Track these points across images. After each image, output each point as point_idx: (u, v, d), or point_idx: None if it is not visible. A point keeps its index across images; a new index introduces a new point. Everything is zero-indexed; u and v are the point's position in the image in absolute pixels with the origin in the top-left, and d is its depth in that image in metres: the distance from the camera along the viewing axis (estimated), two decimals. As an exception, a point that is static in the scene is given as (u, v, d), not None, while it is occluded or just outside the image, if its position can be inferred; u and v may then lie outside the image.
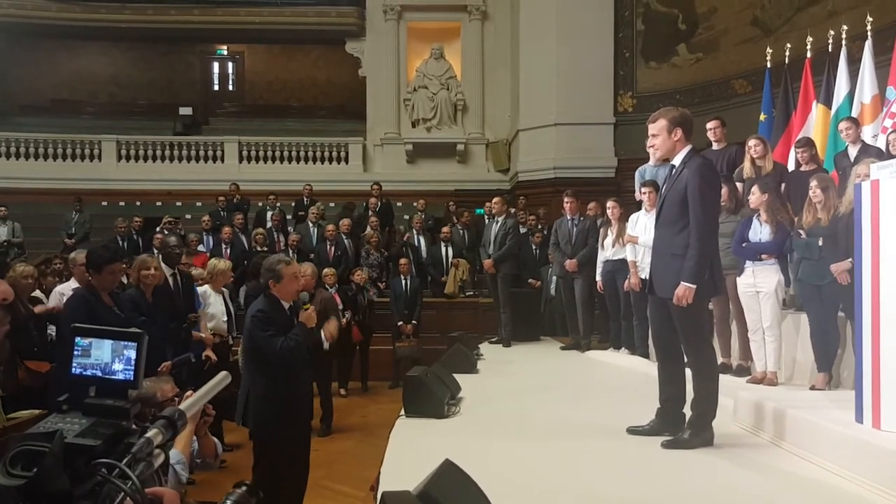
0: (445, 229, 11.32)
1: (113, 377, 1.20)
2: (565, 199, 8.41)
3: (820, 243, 5.13)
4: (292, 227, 11.79)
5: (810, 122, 8.03)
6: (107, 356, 1.20)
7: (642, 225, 7.04)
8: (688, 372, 4.24)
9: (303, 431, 4.35)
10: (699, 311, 4.15)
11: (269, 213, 11.95)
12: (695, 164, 4.01)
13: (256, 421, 4.09)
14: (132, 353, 1.20)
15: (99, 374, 1.20)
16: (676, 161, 4.09)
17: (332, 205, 12.51)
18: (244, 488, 1.62)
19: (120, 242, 10.97)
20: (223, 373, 1.49)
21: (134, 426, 1.16)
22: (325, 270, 8.30)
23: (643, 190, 7.13)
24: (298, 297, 4.26)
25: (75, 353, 1.21)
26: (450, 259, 10.85)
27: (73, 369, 1.21)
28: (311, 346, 4.29)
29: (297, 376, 4.12)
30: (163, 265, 5.79)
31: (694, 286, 3.89)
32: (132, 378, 1.19)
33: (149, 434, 1.15)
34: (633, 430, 4.28)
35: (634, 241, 7.06)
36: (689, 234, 3.94)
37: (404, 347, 9.32)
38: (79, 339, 1.22)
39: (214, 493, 4.04)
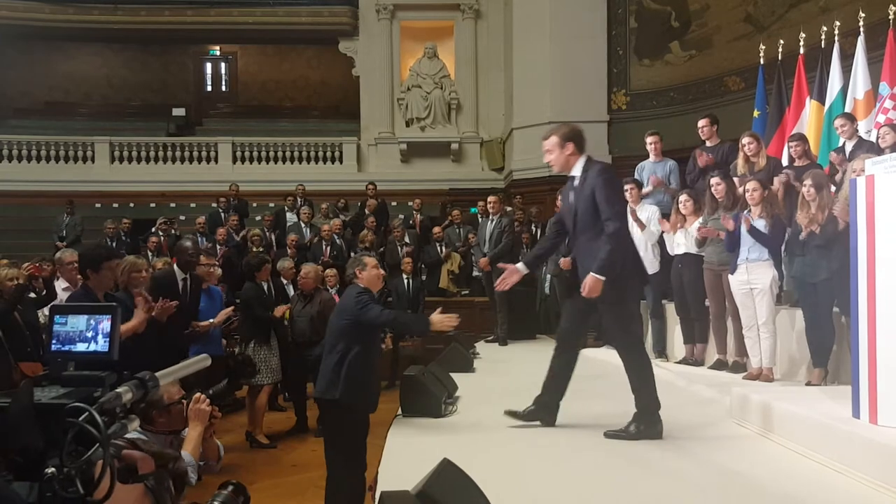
0: (437, 229, 11.32)
1: (90, 350, 1.21)
2: (559, 199, 8.42)
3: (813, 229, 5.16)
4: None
5: (804, 119, 8.06)
6: (83, 330, 1.22)
7: (629, 222, 7.18)
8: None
9: None
10: (624, 308, 4.35)
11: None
12: (595, 169, 4.26)
13: (349, 389, 4.09)
14: (107, 325, 1.22)
15: (76, 349, 1.22)
16: (576, 172, 4.29)
17: (324, 205, 12.51)
18: (231, 488, 1.62)
19: (109, 244, 10.93)
20: (203, 355, 1.50)
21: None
22: (327, 271, 8.30)
23: (626, 186, 7.25)
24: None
25: (54, 330, 1.23)
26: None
27: (52, 346, 1.23)
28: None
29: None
30: (176, 269, 5.87)
31: (603, 278, 4.04)
32: (107, 349, 1.21)
33: (118, 389, 1.15)
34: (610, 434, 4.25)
35: (641, 225, 7.08)
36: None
37: (408, 347, 9.32)
38: (57, 316, 1.24)
39: (211, 494, 4.02)
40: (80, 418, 1.04)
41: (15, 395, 1.02)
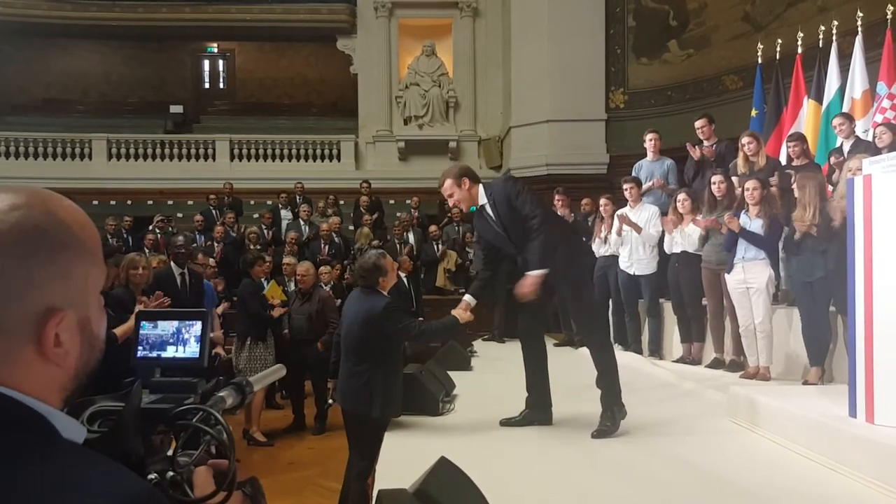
0: (433, 228, 11.30)
1: (178, 356, 1.19)
2: (556, 197, 8.47)
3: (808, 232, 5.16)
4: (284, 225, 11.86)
5: (801, 118, 8.07)
6: (172, 337, 1.21)
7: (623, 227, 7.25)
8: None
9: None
10: (583, 303, 4.44)
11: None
12: (497, 185, 4.39)
13: (385, 406, 4.18)
14: (198, 330, 1.20)
15: (164, 355, 1.20)
16: (483, 200, 4.34)
17: (321, 203, 12.51)
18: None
19: (110, 241, 10.92)
20: (279, 365, 1.51)
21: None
22: (321, 269, 8.31)
23: (625, 186, 7.28)
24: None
25: (141, 335, 1.21)
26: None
27: (138, 352, 1.20)
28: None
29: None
30: (172, 265, 5.87)
31: (539, 272, 4.10)
32: (198, 356, 1.19)
33: (221, 393, 1.14)
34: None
35: (637, 229, 7.09)
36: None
37: (411, 345, 9.31)
38: (144, 322, 1.22)
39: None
40: (195, 419, 1.02)
41: (128, 398, 0.99)
